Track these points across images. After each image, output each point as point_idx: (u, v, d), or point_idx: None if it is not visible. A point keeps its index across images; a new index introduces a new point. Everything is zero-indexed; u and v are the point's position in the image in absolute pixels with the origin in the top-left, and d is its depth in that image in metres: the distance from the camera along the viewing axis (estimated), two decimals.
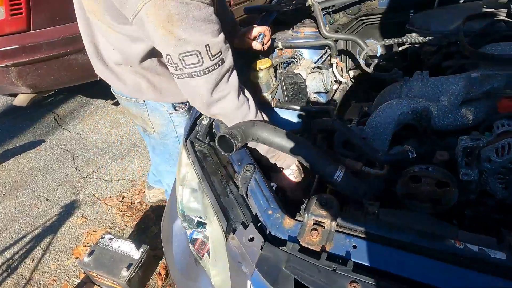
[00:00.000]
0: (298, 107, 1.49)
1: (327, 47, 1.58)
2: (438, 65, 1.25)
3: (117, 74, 1.18)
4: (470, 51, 1.00)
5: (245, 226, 0.81)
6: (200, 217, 0.98)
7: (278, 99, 1.54)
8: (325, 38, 1.55)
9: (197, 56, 0.85)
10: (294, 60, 1.53)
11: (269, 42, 1.46)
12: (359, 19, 1.80)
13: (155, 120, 1.31)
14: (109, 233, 1.87)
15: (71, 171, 2.85)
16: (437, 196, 0.94)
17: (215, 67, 0.88)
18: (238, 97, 0.99)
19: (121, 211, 2.43)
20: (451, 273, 0.61)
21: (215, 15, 0.86)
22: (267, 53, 1.55)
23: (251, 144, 1.05)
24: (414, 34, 1.35)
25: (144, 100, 1.26)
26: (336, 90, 1.57)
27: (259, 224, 0.82)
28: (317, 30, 1.63)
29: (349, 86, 1.62)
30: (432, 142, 1.10)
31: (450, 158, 0.88)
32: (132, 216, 2.37)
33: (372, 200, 0.94)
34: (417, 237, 0.67)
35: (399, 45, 1.40)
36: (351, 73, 1.66)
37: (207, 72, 0.87)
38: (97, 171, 2.84)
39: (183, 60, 0.86)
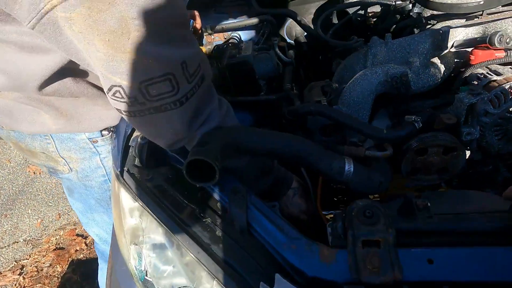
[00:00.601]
0: (251, 99, 1.24)
1: (264, 24, 1.37)
2: (387, 29, 1.19)
3: None
4: (433, 4, 0.93)
5: (270, 283, 0.54)
6: (185, 287, 0.64)
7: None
8: (259, 14, 1.33)
9: (170, 81, 0.52)
10: (231, 45, 1.26)
11: (200, 27, 1.16)
12: None
13: (69, 155, 0.86)
14: None
15: None
16: (444, 164, 0.85)
17: (195, 90, 0.57)
18: (220, 107, 0.69)
19: (25, 287, 1.75)
20: None
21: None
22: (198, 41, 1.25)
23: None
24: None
25: None
26: (283, 73, 1.38)
27: (286, 271, 0.56)
28: (246, 8, 1.40)
29: (294, 66, 1.45)
30: (409, 108, 1.03)
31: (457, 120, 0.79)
32: None
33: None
34: (498, 221, 0.53)
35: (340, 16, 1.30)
36: (291, 52, 1.50)
37: (184, 102, 0.56)
38: None
39: (147, 91, 0.52)
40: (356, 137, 1.02)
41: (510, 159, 0.91)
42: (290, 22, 1.74)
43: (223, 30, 1.29)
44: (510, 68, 0.88)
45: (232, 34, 1.25)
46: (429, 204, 0.59)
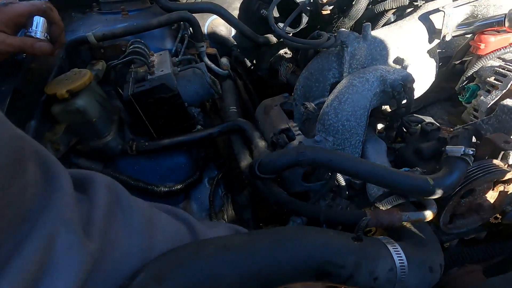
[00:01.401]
0: (182, 139, 0.81)
1: (181, 26, 0.94)
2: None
3: None
4: None
5: None
6: None
7: (133, 139, 0.80)
8: (170, 10, 0.90)
9: None
10: (135, 61, 0.80)
11: (62, 32, 0.67)
12: None
13: None
14: None
15: None
16: (492, 202, 0.60)
17: None
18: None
19: None
20: None
21: None
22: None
23: None
24: None
25: None
26: (222, 91, 0.98)
27: None
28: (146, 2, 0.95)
29: (233, 79, 1.07)
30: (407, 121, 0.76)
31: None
32: None
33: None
34: None
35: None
36: (225, 60, 1.11)
37: None
38: None
39: None
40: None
41: None
42: (211, 21, 1.35)
43: (114, 37, 0.81)
44: None
45: (136, 44, 0.79)
46: None
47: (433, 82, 0.82)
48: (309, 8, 0.93)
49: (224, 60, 1.09)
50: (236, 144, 0.82)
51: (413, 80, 0.64)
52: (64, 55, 0.80)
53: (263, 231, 0.38)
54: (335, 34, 0.75)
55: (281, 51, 1.18)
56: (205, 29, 1.25)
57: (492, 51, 0.66)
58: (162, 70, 0.76)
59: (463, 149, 0.50)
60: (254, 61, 1.44)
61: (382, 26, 0.87)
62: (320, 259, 0.37)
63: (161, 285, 0.28)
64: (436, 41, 0.72)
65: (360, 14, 0.85)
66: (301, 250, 0.36)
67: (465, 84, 0.73)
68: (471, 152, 0.49)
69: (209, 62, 0.97)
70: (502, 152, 0.56)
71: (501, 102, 0.59)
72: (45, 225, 0.23)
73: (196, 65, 0.83)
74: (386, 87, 0.65)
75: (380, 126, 0.89)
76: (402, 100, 0.68)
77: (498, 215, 0.75)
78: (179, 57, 0.87)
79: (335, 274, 0.38)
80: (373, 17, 0.87)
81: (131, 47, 0.78)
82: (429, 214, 0.50)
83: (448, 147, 0.52)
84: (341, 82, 0.70)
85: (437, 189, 0.47)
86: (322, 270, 0.37)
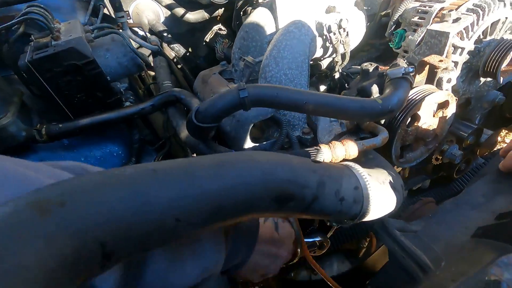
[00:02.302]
0: (107, 116, 0.69)
1: None
2: None
3: None
4: None
5: None
6: None
7: (42, 123, 0.65)
8: None
9: None
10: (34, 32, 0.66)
11: None
12: None
13: None
14: None
15: None
16: (433, 130, 0.61)
17: None
18: None
19: None
20: None
21: None
22: None
23: None
24: None
25: None
26: (155, 66, 0.88)
27: None
28: None
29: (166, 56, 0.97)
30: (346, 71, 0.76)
31: None
32: None
33: None
34: None
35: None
36: (154, 37, 1.00)
37: None
38: None
39: None
40: (298, 129, 0.67)
41: None
42: (135, 6, 1.23)
43: (6, 4, 0.66)
44: None
45: (28, 9, 0.65)
46: None
47: (363, 40, 0.84)
48: None
49: (153, 37, 0.99)
50: (174, 116, 0.73)
51: (347, 21, 0.64)
52: None
53: (207, 155, 0.31)
54: None
55: (215, 28, 1.12)
56: (130, 11, 1.13)
57: None
58: (71, 36, 0.64)
59: (403, 68, 0.49)
60: (190, 49, 1.37)
61: None
62: (279, 179, 0.31)
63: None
64: None
65: None
66: (256, 169, 0.30)
67: (393, 30, 0.76)
68: (411, 70, 0.49)
69: (133, 36, 0.86)
70: (436, 79, 0.58)
71: (427, 27, 0.61)
72: None
73: (115, 30, 0.72)
74: (322, 31, 0.64)
75: (323, 88, 0.89)
76: (339, 46, 0.68)
77: (438, 156, 0.79)
78: (94, 25, 0.75)
79: (298, 196, 0.32)
80: None
81: (25, 9, 0.64)
82: (382, 139, 0.48)
83: (389, 71, 0.51)
84: (278, 31, 0.67)
85: (386, 108, 0.45)
86: (283, 193, 0.31)
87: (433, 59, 0.53)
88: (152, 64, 0.88)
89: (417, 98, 0.52)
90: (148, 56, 0.92)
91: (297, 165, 0.33)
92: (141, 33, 0.95)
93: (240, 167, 0.29)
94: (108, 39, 0.71)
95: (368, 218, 0.40)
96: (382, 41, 0.94)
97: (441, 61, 0.53)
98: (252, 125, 0.60)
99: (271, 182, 0.30)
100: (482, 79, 0.72)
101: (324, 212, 0.35)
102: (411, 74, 0.49)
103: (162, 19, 1.25)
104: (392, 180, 0.43)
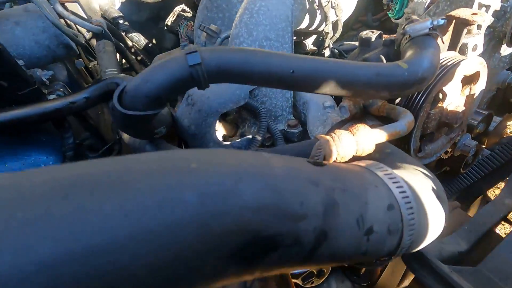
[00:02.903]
0: (19, 113, 0.50)
1: None
2: None
3: None
4: None
5: None
6: None
7: None
8: None
9: None
10: None
11: None
12: None
13: None
14: None
15: None
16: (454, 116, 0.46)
17: None
18: None
19: None
20: None
21: None
22: None
23: None
24: None
25: None
26: (98, 51, 0.69)
27: None
28: None
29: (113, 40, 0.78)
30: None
31: None
32: None
33: None
34: None
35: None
36: (100, 19, 0.81)
37: None
38: None
39: None
40: (282, 121, 0.51)
41: None
42: None
43: None
44: None
45: None
46: None
47: (352, 16, 0.69)
48: None
49: (99, 18, 0.80)
50: None
51: None
52: None
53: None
54: None
55: (177, 9, 0.94)
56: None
57: None
58: None
59: (429, 21, 0.34)
60: (154, 40, 1.18)
61: None
62: (243, 210, 0.14)
63: None
64: None
65: None
66: (189, 188, 0.12)
67: None
68: (442, 22, 0.33)
69: (66, 12, 0.67)
70: (459, 45, 0.44)
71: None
72: None
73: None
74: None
75: None
76: (330, 11, 0.52)
77: (449, 149, 0.65)
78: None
79: (288, 240, 0.15)
80: None
81: None
82: (407, 123, 0.33)
83: (408, 27, 0.35)
84: None
85: (415, 74, 0.29)
86: (253, 239, 0.14)
87: (463, 12, 0.38)
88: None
89: (448, 65, 0.36)
90: (90, 39, 0.73)
91: (282, 173, 0.16)
92: (82, 14, 0.77)
93: (149, 188, 0.12)
94: (19, 9, 0.52)
95: (410, 250, 0.23)
96: (375, 16, 0.80)
97: (474, 14, 0.38)
98: (218, 115, 0.43)
99: (223, 218, 0.13)
100: (502, 52, 0.59)
101: (337, 258, 0.19)
102: (440, 27, 0.34)
103: (118, 6, 1.07)
104: (434, 186, 0.27)
